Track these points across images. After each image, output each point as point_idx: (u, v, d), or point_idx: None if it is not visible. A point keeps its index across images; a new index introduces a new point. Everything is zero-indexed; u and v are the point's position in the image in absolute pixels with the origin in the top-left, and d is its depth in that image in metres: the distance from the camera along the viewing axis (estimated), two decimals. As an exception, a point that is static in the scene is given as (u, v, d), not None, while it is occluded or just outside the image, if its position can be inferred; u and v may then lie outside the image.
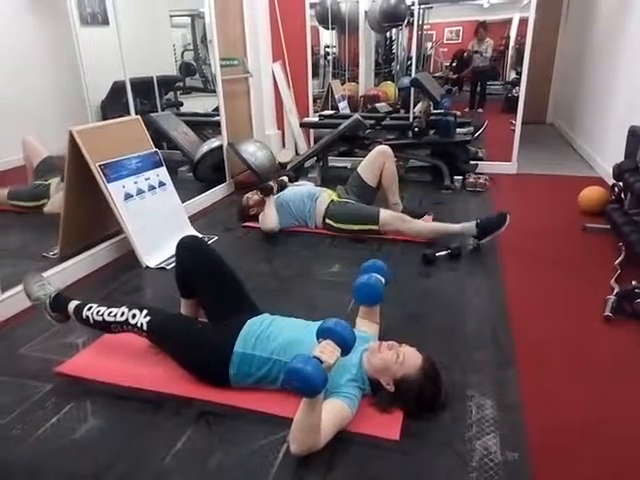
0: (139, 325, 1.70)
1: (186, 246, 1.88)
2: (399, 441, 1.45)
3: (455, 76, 7.54)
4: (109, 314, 1.75)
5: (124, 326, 1.73)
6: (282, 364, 1.57)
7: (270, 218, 3.08)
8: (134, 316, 1.71)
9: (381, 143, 3.69)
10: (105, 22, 4.14)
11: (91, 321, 1.79)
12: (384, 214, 3.02)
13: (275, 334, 1.65)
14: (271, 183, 3.15)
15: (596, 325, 2.11)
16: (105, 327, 1.78)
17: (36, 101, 4.14)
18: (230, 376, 1.63)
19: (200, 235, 3.13)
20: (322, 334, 1.40)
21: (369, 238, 3.04)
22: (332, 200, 3.19)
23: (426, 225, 3.04)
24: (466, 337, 2.00)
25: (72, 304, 1.85)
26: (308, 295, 2.38)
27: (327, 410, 1.42)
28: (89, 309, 1.80)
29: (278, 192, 3.23)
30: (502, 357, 1.86)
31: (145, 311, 1.73)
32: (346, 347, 1.38)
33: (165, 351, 1.78)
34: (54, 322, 1.90)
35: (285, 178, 3.43)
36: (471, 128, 5.25)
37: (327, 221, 3.14)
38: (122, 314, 1.73)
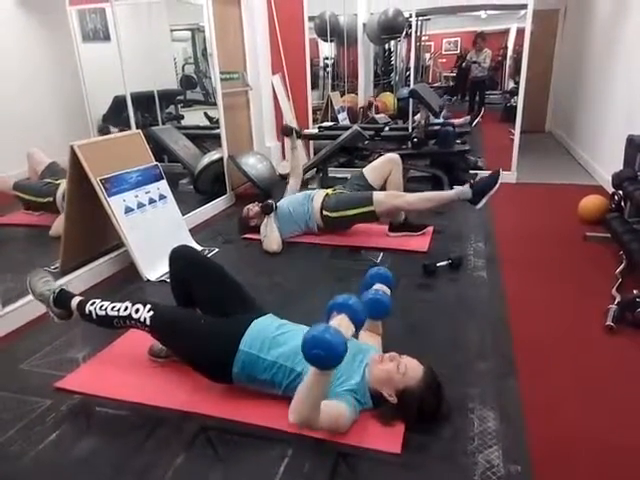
0: (142, 320, 1.69)
1: (179, 254, 1.89)
2: (400, 454, 1.43)
3: (452, 84, 7.60)
4: (112, 309, 1.74)
5: (127, 321, 1.72)
6: (287, 370, 1.57)
7: (273, 240, 3.07)
8: (137, 311, 1.70)
9: (381, 154, 3.71)
10: (106, 38, 4.20)
11: (94, 316, 1.78)
12: (377, 194, 3.05)
13: (284, 339, 1.64)
14: (271, 201, 3.15)
15: (598, 335, 2.10)
16: (108, 323, 1.76)
17: (39, 116, 4.18)
18: (233, 374, 1.62)
19: (200, 247, 3.15)
20: (335, 308, 1.44)
21: (369, 248, 3.04)
22: (327, 194, 3.24)
23: (421, 196, 3.04)
24: (467, 348, 1.99)
25: (75, 300, 1.84)
26: (309, 306, 2.37)
27: (326, 404, 1.43)
28: (92, 304, 1.79)
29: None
30: (504, 368, 1.85)
31: (148, 306, 1.71)
32: (359, 323, 1.43)
33: (168, 346, 1.78)
34: (56, 319, 1.89)
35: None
36: (467, 117, 5.29)
37: (324, 213, 3.16)
38: (125, 308, 1.72)
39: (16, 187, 3.54)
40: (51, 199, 3.41)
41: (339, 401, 1.49)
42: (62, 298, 1.86)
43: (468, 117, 5.33)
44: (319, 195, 3.24)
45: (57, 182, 3.45)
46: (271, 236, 3.08)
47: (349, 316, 1.43)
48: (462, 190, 2.84)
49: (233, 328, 1.68)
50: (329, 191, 3.27)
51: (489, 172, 2.89)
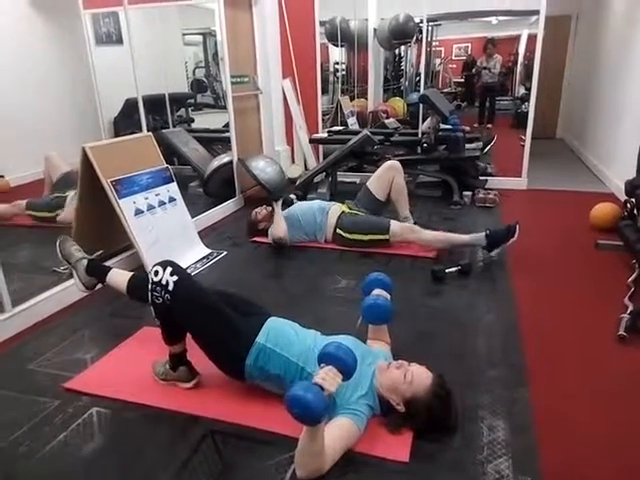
0: (164, 283, 1.57)
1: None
2: (408, 463, 1.42)
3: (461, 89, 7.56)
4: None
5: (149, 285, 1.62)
6: (299, 368, 1.58)
7: (279, 227, 3.08)
8: (156, 273, 1.60)
9: (390, 159, 3.71)
10: (119, 41, 4.25)
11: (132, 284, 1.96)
12: (394, 225, 3.05)
13: (298, 339, 1.66)
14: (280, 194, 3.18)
15: (610, 344, 2.06)
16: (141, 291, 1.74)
17: (52, 118, 4.23)
18: (245, 366, 1.61)
19: (209, 250, 3.16)
20: (323, 359, 1.37)
21: (377, 253, 3.03)
22: (343, 212, 3.22)
23: (436, 235, 3.03)
24: (477, 356, 1.97)
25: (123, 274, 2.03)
26: (317, 311, 2.37)
27: (335, 430, 1.40)
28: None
29: (285, 207, 3.24)
30: (514, 377, 1.83)
31: (170, 268, 1.60)
32: (348, 373, 1.35)
33: (186, 321, 1.65)
34: (83, 288, 2.10)
35: (292, 196, 3.44)
36: (480, 143, 5.25)
37: (338, 231, 3.15)
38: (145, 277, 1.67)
39: (28, 207, 3.61)
40: (60, 211, 3.46)
41: (343, 418, 1.44)
42: (95, 266, 2.07)
43: (480, 143, 5.29)
44: (335, 211, 3.22)
45: (65, 195, 3.51)
46: (278, 223, 3.09)
47: (337, 367, 1.33)
48: (477, 237, 2.86)
49: (251, 323, 1.68)
50: (345, 208, 3.26)
51: (506, 225, 2.89)
